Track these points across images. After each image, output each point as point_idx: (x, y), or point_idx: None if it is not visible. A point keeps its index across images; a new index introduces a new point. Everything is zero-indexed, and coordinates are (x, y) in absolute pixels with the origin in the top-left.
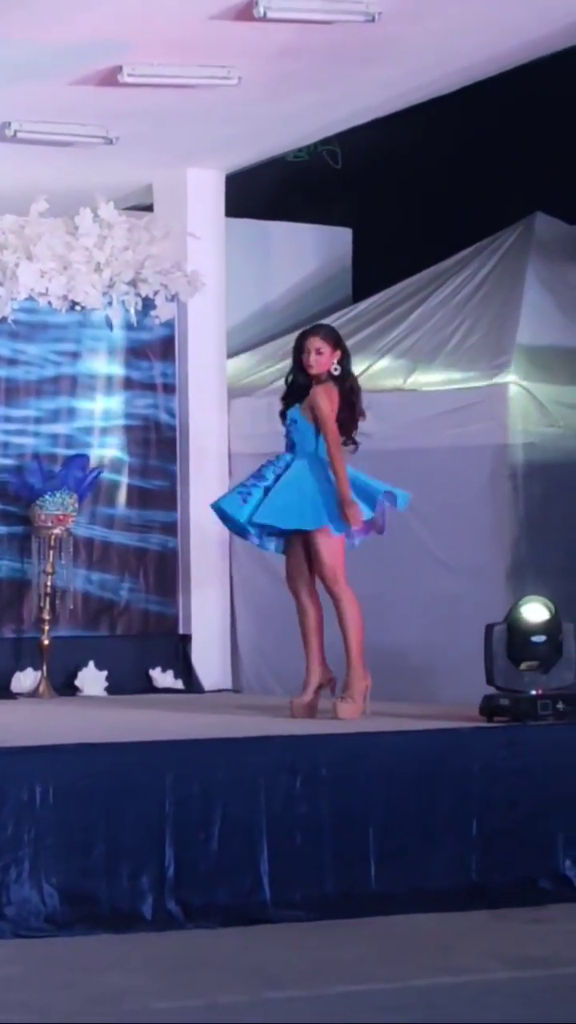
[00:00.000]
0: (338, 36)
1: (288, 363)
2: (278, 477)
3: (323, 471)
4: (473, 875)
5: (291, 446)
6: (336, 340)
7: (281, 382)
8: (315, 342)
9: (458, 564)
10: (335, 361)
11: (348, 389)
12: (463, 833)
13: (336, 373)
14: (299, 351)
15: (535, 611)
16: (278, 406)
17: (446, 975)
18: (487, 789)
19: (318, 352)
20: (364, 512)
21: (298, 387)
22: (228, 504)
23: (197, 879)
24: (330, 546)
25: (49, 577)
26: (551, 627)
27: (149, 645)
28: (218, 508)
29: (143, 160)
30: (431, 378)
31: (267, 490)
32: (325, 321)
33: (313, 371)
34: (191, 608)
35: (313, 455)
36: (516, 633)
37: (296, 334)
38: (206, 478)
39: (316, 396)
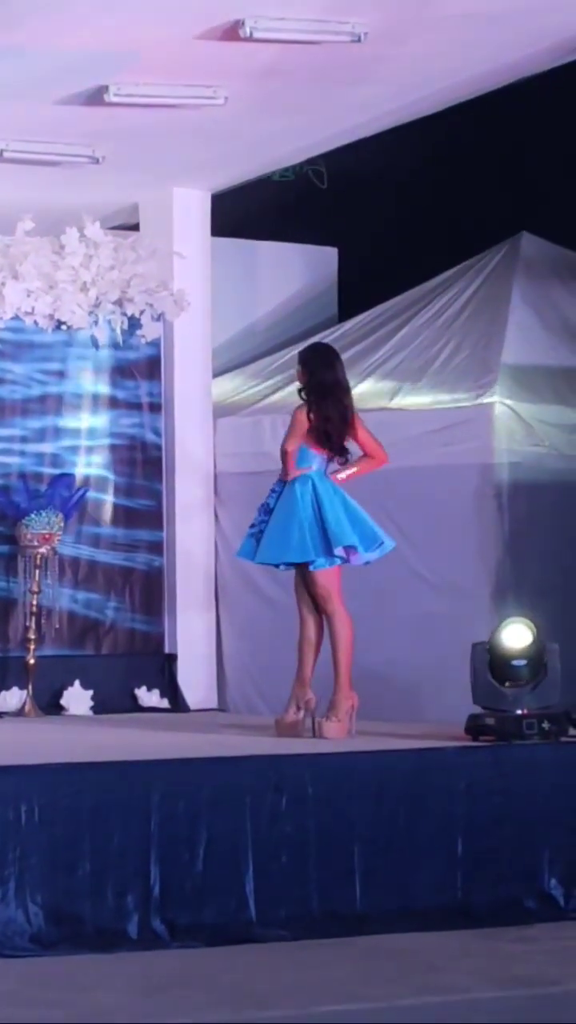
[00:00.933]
0: (324, 56)
1: (273, 382)
2: (268, 511)
3: (311, 495)
4: (458, 894)
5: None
6: (304, 357)
7: (266, 401)
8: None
9: (443, 583)
10: (305, 380)
11: (315, 402)
12: (448, 852)
13: (304, 393)
14: None
15: (517, 634)
16: (264, 425)
17: (432, 994)
18: (472, 808)
19: (298, 375)
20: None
21: None
22: (246, 553)
23: (182, 898)
24: (321, 571)
25: (35, 596)
26: (533, 650)
27: (135, 664)
28: (240, 555)
29: (129, 179)
30: (417, 397)
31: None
32: (309, 341)
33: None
34: (177, 627)
35: (304, 477)
36: (497, 656)
37: (284, 352)
38: (192, 497)
39: (292, 419)
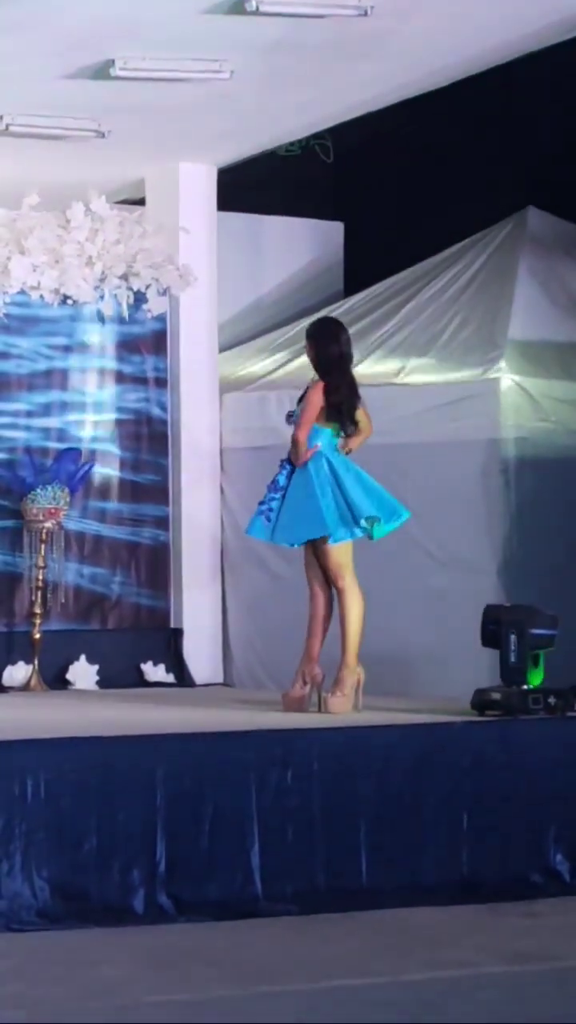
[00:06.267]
0: (330, 31)
1: (279, 357)
2: (281, 489)
3: (327, 471)
4: (464, 869)
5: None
6: (311, 332)
7: (273, 376)
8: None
9: (449, 558)
10: (313, 354)
11: (324, 375)
12: (454, 827)
13: (317, 370)
14: None
15: None
16: (270, 400)
17: (438, 969)
18: (478, 783)
19: (307, 351)
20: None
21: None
22: (258, 532)
23: (188, 873)
24: (337, 546)
25: (40, 571)
26: None
27: (141, 639)
28: (251, 534)
29: (135, 154)
30: (423, 373)
31: (283, 498)
32: (315, 315)
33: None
34: (183, 602)
35: (317, 454)
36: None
37: (290, 327)
38: (198, 472)
39: (307, 394)
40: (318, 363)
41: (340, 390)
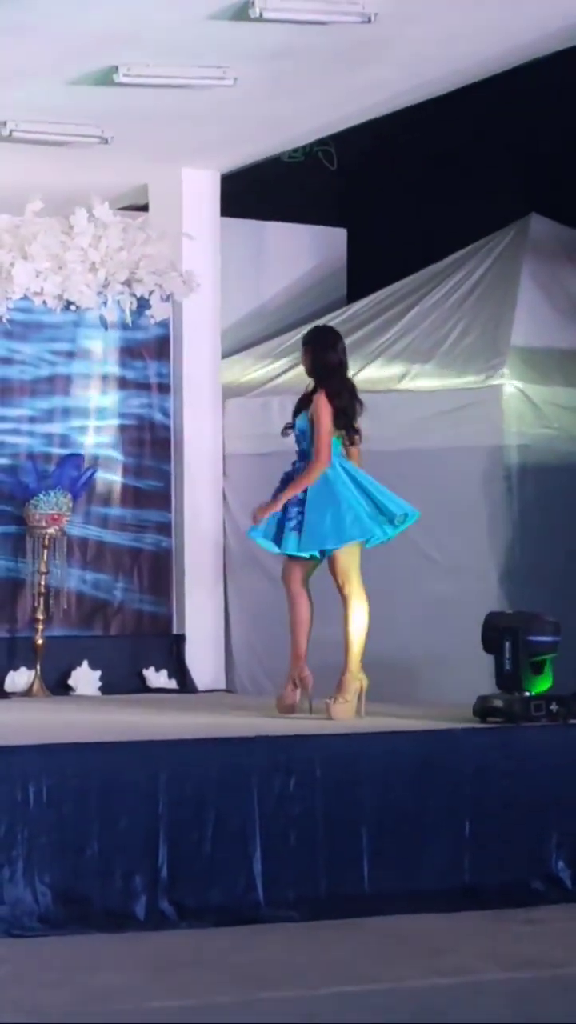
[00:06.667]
0: (334, 37)
1: (282, 363)
2: (300, 501)
3: (330, 484)
4: (466, 876)
5: (302, 456)
6: (308, 340)
7: (275, 382)
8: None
9: (451, 564)
10: (310, 362)
11: (324, 382)
12: (456, 834)
13: (315, 377)
14: None
15: None
16: (272, 406)
17: (439, 976)
18: (480, 790)
19: (303, 359)
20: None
21: (306, 396)
22: (264, 543)
23: (190, 879)
24: (345, 552)
25: (43, 577)
26: None
27: (143, 645)
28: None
29: (138, 160)
30: (426, 379)
31: (286, 508)
32: (318, 322)
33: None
34: (185, 608)
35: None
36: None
37: (293, 334)
38: (200, 478)
39: (315, 407)
40: (315, 370)
41: (342, 395)
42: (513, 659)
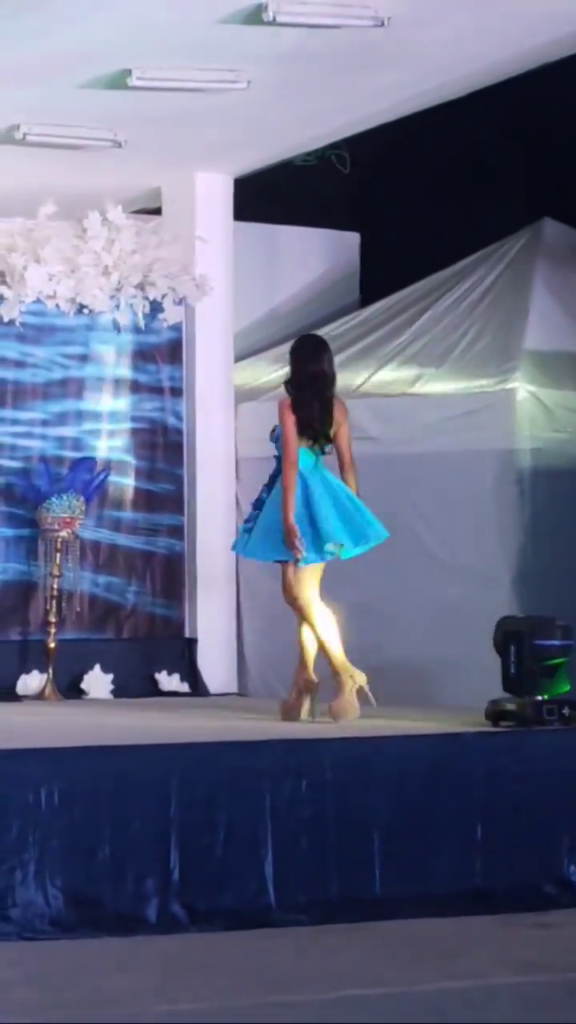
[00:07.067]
0: (347, 41)
1: None
2: (261, 503)
3: (297, 495)
4: (478, 880)
5: (278, 460)
6: (292, 348)
7: None
8: None
9: (463, 568)
10: (290, 370)
11: (295, 393)
12: (467, 838)
13: (285, 385)
14: None
15: None
16: None
17: (450, 980)
18: (492, 794)
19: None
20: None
21: None
22: (241, 548)
23: (202, 882)
24: (290, 570)
25: (55, 580)
26: None
27: (155, 648)
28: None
29: (152, 163)
30: (438, 383)
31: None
32: (331, 326)
33: None
34: (197, 612)
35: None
36: None
37: None
38: (213, 482)
39: (278, 414)
40: (291, 379)
41: (311, 406)
42: (518, 663)
